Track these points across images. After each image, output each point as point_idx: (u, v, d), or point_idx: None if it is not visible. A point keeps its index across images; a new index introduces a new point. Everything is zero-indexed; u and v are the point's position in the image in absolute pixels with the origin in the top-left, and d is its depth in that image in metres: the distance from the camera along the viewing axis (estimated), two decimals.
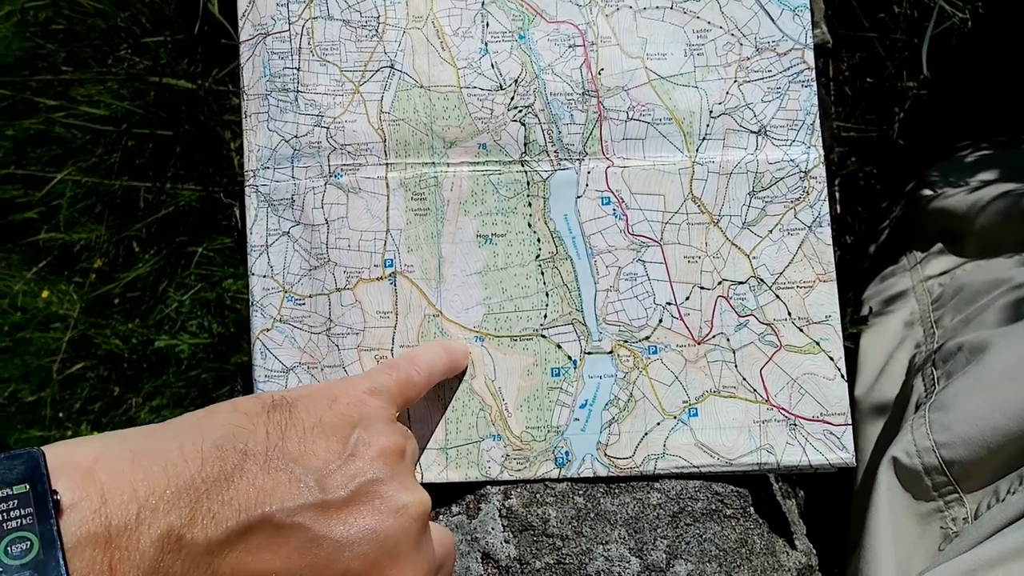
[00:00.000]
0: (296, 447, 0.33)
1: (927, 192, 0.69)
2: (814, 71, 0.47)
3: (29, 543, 0.25)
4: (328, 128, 0.47)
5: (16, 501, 0.26)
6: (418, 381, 0.41)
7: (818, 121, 0.47)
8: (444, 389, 0.46)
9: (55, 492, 0.26)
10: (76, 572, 0.25)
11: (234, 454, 0.31)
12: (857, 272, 0.77)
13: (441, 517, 0.46)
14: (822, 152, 0.47)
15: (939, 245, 0.66)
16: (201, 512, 0.28)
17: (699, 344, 0.46)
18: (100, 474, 0.27)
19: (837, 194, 0.93)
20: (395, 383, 0.39)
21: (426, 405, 0.46)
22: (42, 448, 0.27)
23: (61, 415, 1.12)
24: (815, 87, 0.47)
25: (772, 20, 0.48)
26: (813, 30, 0.70)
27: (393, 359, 0.42)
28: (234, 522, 0.29)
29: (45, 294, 1.15)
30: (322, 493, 0.32)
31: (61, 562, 0.25)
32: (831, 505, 0.59)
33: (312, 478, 0.32)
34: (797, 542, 0.48)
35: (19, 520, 0.26)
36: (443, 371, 0.44)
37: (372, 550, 0.32)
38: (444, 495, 0.46)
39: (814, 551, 0.50)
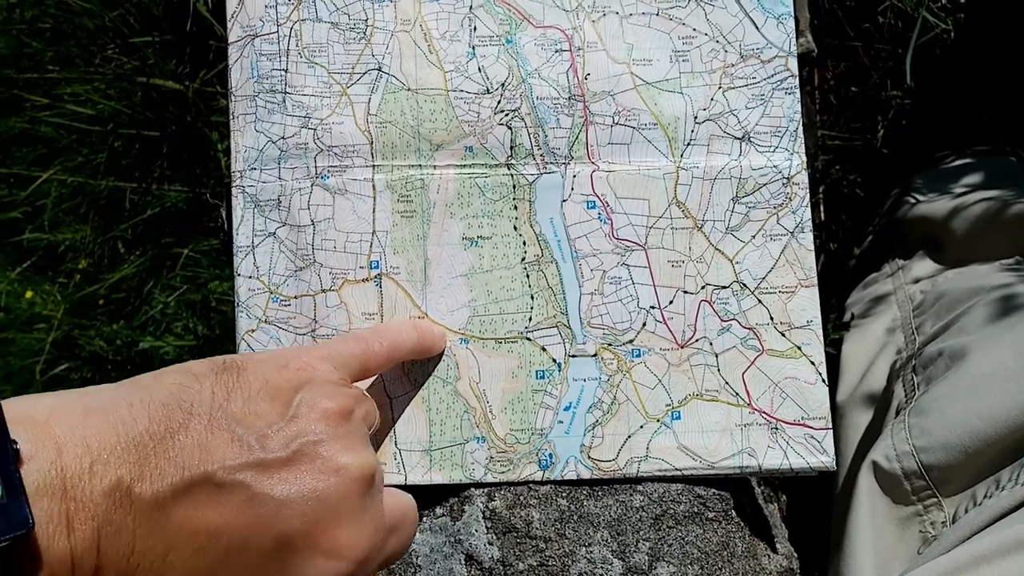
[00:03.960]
0: (240, 408, 0.33)
1: (909, 200, 0.70)
2: (797, 79, 0.48)
3: None
4: (315, 130, 0.47)
5: None
6: (379, 352, 0.41)
7: (801, 128, 0.48)
8: (428, 391, 0.46)
9: (14, 442, 0.26)
10: (35, 521, 0.26)
11: (180, 413, 0.31)
12: (841, 279, 0.78)
13: (425, 519, 0.46)
14: (805, 159, 0.48)
15: (921, 252, 0.67)
16: (148, 467, 0.29)
17: (682, 348, 0.47)
18: (55, 428, 0.28)
19: (821, 202, 0.94)
20: (352, 351, 0.40)
21: (411, 406, 0.46)
22: None
23: None
24: (798, 94, 0.48)
25: (756, 28, 0.48)
26: (798, 39, 0.70)
27: (359, 330, 0.42)
28: (178, 478, 0.30)
29: (29, 294, 1.14)
30: (263, 452, 0.32)
31: (25, 506, 0.26)
32: (813, 509, 0.60)
33: (253, 437, 0.32)
34: (778, 545, 0.49)
35: None
36: (410, 348, 0.43)
37: (312, 509, 0.32)
38: (428, 497, 0.46)
39: (795, 554, 0.50)
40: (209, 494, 0.30)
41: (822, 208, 0.94)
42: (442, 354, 0.47)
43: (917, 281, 0.65)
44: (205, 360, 0.35)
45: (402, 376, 0.46)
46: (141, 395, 0.31)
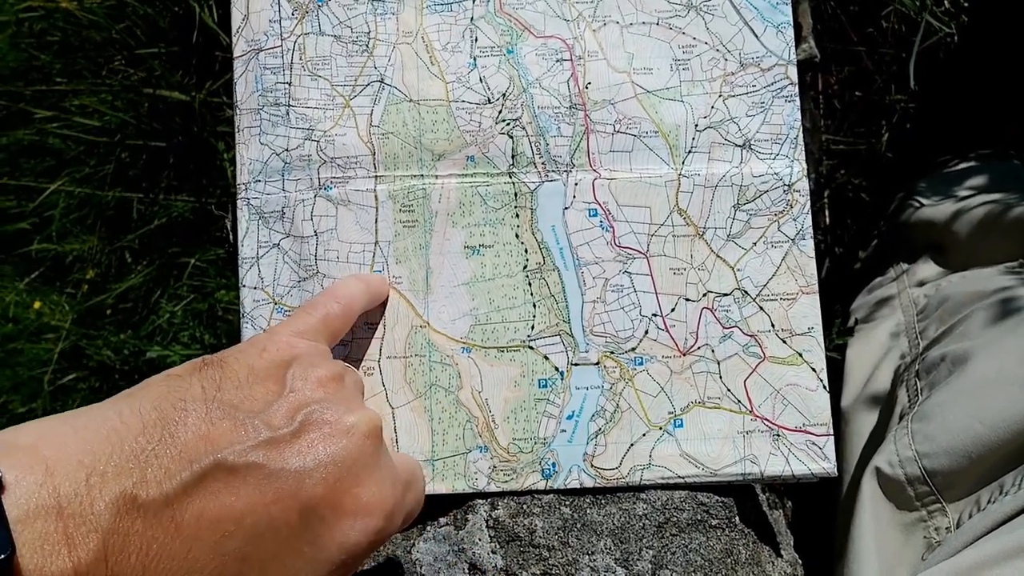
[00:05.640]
0: (234, 395, 0.33)
1: (913, 204, 0.70)
2: (797, 87, 0.48)
3: None
4: (318, 142, 0.48)
5: None
6: (339, 313, 0.42)
7: (801, 135, 0.48)
8: (430, 400, 0.46)
9: None
10: (28, 544, 0.26)
11: (173, 411, 0.31)
12: (846, 283, 0.77)
13: (428, 528, 0.46)
14: (805, 166, 0.48)
15: (925, 256, 0.67)
16: (152, 470, 0.29)
17: (684, 355, 0.47)
18: (43, 450, 0.28)
19: (826, 206, 0.94)
20: (318, 320, 0.40)
21: (413, 416, 0.46)
22: None
23: None
24: (798, 102, 0.48)
25: (756, 36, 0.49)
26: (801, 44, 0.71)
27: (312, 298, 0.43)
28: (187, 473, 0.29)
29: (37, 305, 1.15)
30: (269, 430, 0.32)
31: (4, 532, 0.26)
32: (819, 515, 0.59)
33: (257, 419, 0.32)
34: (783, 552, 0.49)
35: None
36: (363, 300, 0.44)
37: (331, 473, 0.33)
38: (431, 507, 0.46)
39: (799, 561, 0.50)
40: (224, 481, 0.30)
41: (827, 212, 0.94)
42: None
43: (921, 285, 0.64)
44: (184, 364, 0.35)
45: (404, 386, 0.46)
46: (130, 404, 0.31)
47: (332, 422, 0.34)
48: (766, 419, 0.46)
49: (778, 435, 0.46)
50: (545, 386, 0.47)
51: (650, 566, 0.44)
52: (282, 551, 0.31)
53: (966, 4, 0.86)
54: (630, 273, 0.47)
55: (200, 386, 0.33)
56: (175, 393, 0.32)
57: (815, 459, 0.46)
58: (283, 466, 0.32)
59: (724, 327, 0.47)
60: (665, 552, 0.45)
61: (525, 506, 0.46)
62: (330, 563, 0.32)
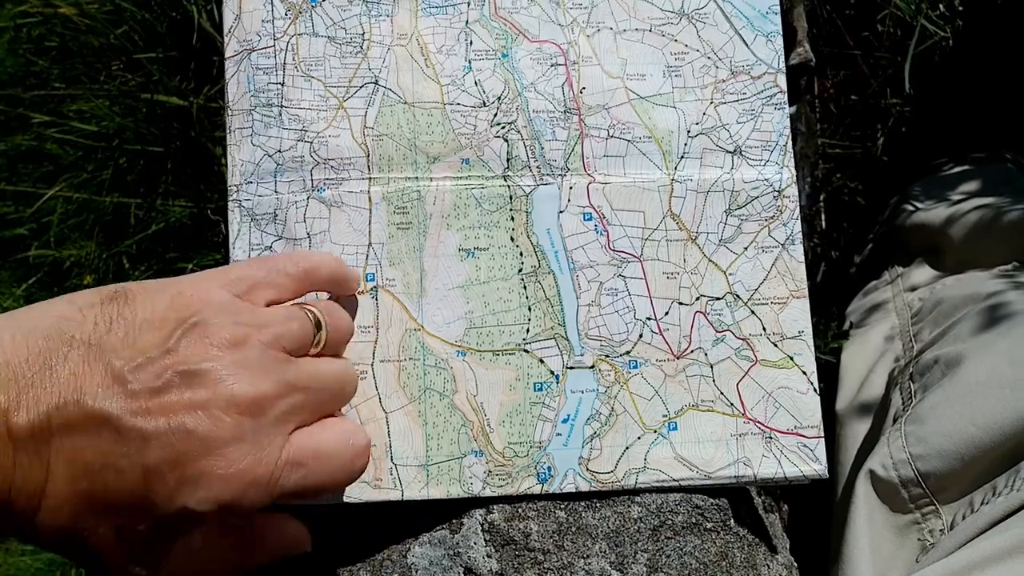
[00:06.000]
0: (119, 339, 0.33)
1: (908, 208, 0.70)
2: (787, 94, 0.49)
3: None
4: (311, 143, 0.48)
5: None
6: (292, 272, 0.40)
7: (790, 142, 0.48)
8: (425, 405, 0.46)
9: None
10: None
11: (60, 344, 0.31)
12: (841, 287, 0.78)
13: (423, 532, 0.46)
14: (794, 172, 0.48)
15: (920, 260, 0.67)
16: (26, 397, 0.30)
17: (678, 359, 0.47)
18: None
19: (822, 210, 0.94)
20: (259, 272, 0.38)
21: (407, 421, 0.46)
22: None
23: None
24: (787, 110, 0.48)
25: (746, 45, 0.49)
26: (797, 48, 0.71)
27: (269, 254, 0.41)
28: (53, 408, 0.30)
29: None
30: (135, 384, 0.32)
31: None
32: (815, 519, 0.60)
33: (127, 368, 0.32)
34: (779, 555, 0.49)
35: None
36: (327, 276, 0.42)
37: (180, 438, 0.32)
38: (426, 511, 0.46)
39: (795, 564, 0.50)
40: (81, 425, 0.31)
41: (823, 216, 0.94)
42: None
43: (915, 288, 0.65)
44: (96, 289, 0.34)
45: (398, 390, 0.46)
46: (23, 326, 0.31)
47: (196, 387, 0.33)
48: (758, 422, 0.46)
49: (770, 438, 0.46)
50: (540, 389, 0.47)
51: (645, 569, 0.44)
52: (127, 501, 0.31)
53: (961, 8, 0.87)
54: (624, 277, 0.47)
55: (93, 322, 0.33)
56: (67, 326, 0.32)
57: (806, 461, 0.46)
58: (132, 424, 0.31)
59: (717, 331, 0.47)
60: (660, 555, 0.45)
61: (520, 510, 0.46)
62: (171, 524, 0.32)
